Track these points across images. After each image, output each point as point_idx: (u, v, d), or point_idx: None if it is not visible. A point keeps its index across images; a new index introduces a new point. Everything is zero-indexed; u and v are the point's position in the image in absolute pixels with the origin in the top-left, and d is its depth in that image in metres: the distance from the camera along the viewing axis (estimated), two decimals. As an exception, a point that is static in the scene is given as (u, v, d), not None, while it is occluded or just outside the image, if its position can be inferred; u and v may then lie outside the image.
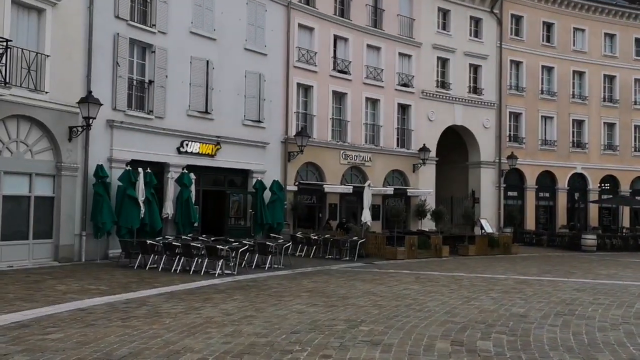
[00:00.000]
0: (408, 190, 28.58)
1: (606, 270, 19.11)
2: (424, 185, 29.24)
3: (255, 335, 7.91)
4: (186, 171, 19.60)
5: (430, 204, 27.95)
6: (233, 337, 7.77)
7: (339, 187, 25.85)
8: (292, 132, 24.14)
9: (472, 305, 10.96)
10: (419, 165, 28.95)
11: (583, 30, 34.73)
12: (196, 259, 15.11)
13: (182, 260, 15.36)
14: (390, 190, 27.54)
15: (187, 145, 20.25)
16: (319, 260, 19.42)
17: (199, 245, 15.21)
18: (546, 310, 10.51)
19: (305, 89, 25.31)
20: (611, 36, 35.52)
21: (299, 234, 21.97)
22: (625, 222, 35.01)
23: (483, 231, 26.77)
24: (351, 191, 25.83)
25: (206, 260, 15.03)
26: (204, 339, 7.67)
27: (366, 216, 22.86)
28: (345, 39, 26.63)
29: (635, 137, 36.05)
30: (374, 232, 23.73)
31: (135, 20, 18.96)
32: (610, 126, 35.56)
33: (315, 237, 21.27)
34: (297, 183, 24.58)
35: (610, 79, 35.56)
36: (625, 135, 35.64)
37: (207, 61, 21.00)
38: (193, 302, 10.62)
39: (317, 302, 10.92)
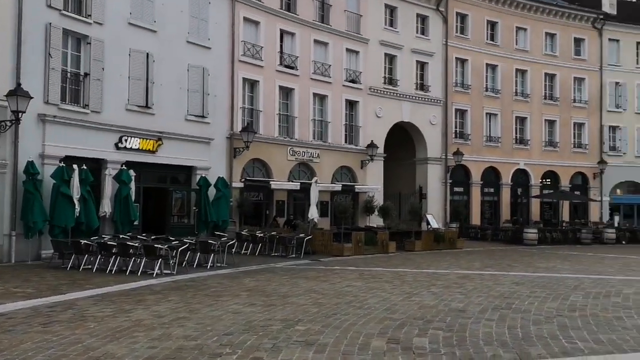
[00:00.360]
0: (356, 186, 28.58)
1: (545, 263, 19.55)
2: (372, 181, 29.30)
3: (185, 339, 7.54)
4: (125, 168, 18.88)
5: (378, 200, 28.09)
6: (160, 341, 7.39)
7: (286, 183, 25.58)
8: (238, 127, 23.68)
9: (412, 301, 10.89)
10: (367, 162, 28.98)
11: (525, 29, 35.57)
12: (133, 258, 14.55)
13: (118, 261, 14.75)
14: (338, 186, 27.46)
15: (126, 140, 19.53)
16: (264, 258, 19.10)
17: (136, 244, 14.64)
18: (484, 304, 10.55)
19: (251, 84, 24.87)
20: (552, 35, 36.53)
21: (244, 232, 21.58)
22: (565, 216, 36.14)
23: (429, 226, 27.05)
24: (299, 188, 25.58)
25: (144, 260, 14.47)
26: (129, 343, 7.26)
27: (313, 213, 22.67)
28: (292, 34, 26.33)
29: (574, 134, 37.22)
30: (321, 229, 23.54)
31: (69, 10, 18.12)
32: (551, 123, 36.58)
33: (261, 235, 20.92)
34: (243, 180, 24.15)
35: (550, 77, 36.57)
36: (564, 132, 36.74)
37: (147, 54, 20.31)
38: (124, 304, 10.13)
39: (256, 301, 10.61)
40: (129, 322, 8.58)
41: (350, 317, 9.12)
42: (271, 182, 24.86)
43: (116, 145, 19.28)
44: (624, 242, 31.44)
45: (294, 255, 19.82)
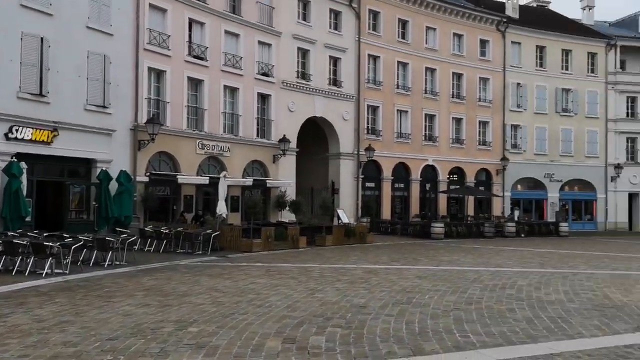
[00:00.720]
0: (268, 181, 28.25)
1: (449, 256, 20.13)
2: (284, 176, 29.08)
3: (63, 345, 6.95)
4: (16, 160, 17.56)
5: (291, 195, 27.88)
6: (35, 349, 6.75)
7: (194, 178, 24.82)
8: (143, 119, 22.67)
9: (315, 297, 10.75)
10: (279, 156, 28.72)
11: (434, 29, 36.57)
12: (21, 257, 13.47)
13: (4, 260, 13.62)
14: (249, 181, 27.00)
15: (17, 130, 18.14)
16: (168, 255, 18.36)
17: (24, 242, 13.57)
18: (386, 299, 10.58)
19: (158, 74, 23.88)
20: (459, 36, 37.81)
21: (148, 228, 20.68)
22: (470, 210, 37.61)
23: (340, 221, 27.18)
24: (208, 182, 24.89)
25: (32, 258, 13.44)
26: (-3, 353, 6.59)
27: (221, 208, 22.11)
28: (202, 23, 25.53)
29: (479, 131, 38.80)
30: (231, 225, 23.06)
31: (-50, -14, 16.55)
32: (458, 121, 37.90)
33: (167, 231, 20.12)
34: (148, 173, 23.17)
35: (458, 76, 37.85)
36: (470, 130, 38.19)
37: (42, 38, 18.92)
38: (2, 307, 9.28)
39: (151, 302, 10.06)
40: (3, 327, 7.84)
41: (248, 317, 8.83)
42: (178, 176, 24.04)
43: (6, 135, 17.87)
44: (522, 235, 33.16)
45: (200, 252, 19.22)
